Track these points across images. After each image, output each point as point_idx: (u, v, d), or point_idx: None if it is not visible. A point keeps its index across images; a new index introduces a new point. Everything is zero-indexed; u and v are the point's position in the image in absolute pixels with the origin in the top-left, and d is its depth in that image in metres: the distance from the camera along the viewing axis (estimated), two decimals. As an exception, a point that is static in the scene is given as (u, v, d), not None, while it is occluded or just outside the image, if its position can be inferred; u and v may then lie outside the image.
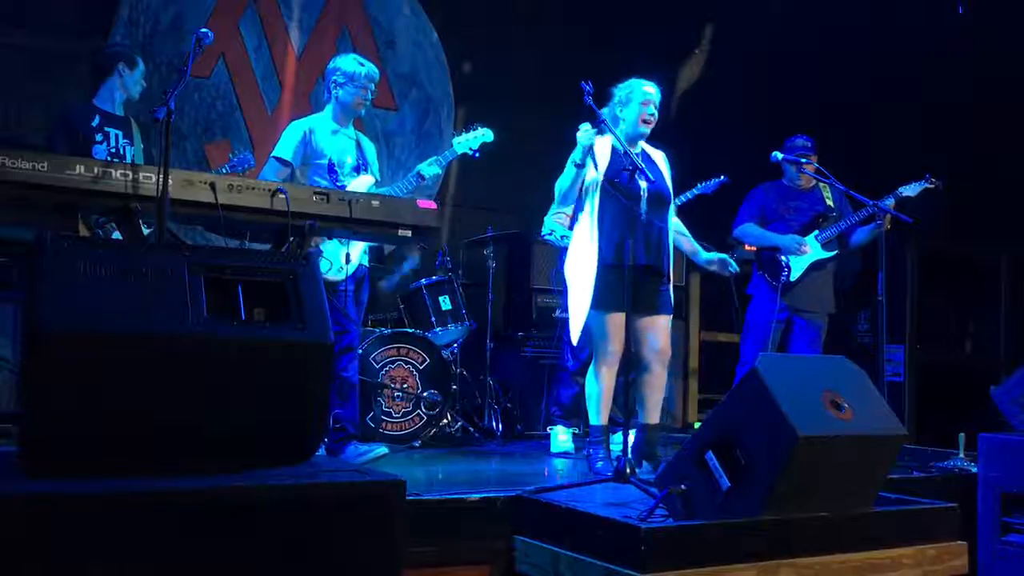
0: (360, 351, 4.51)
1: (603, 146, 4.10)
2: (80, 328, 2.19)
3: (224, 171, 4.62)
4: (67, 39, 5.55)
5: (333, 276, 4.08)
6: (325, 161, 4.21)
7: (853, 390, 3.01)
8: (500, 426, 5.51)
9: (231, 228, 3.32)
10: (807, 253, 5.12)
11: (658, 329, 4.11)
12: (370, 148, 4.46)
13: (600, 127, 4.05)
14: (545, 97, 6.17)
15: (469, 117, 6.32)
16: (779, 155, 5.07)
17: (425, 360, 5.06)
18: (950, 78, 6.13)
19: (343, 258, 4.03)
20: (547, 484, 3.59)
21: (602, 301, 3.99)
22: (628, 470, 3.30)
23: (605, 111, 4.09)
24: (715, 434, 2.90)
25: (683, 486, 2.90)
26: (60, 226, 3.06)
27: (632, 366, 4.22)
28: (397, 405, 4.94)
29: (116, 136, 4.46)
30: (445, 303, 5.44)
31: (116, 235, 3.27)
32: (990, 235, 6.65)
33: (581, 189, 4.11)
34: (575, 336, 4.16)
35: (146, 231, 3.22)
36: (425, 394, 5.01)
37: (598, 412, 4.07)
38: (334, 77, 4.29)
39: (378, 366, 4.92)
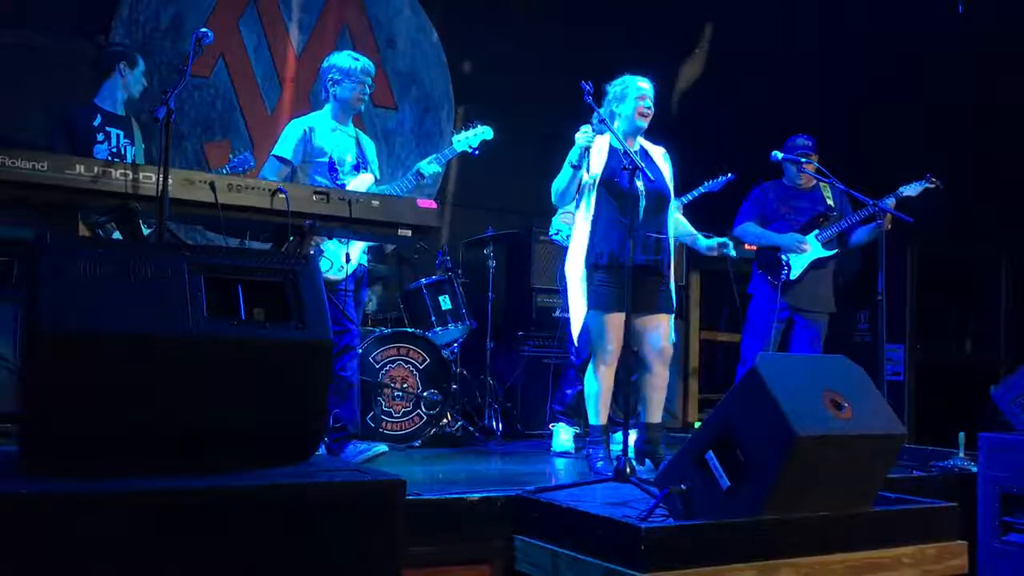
0: (360, 351, 4.51)
1: (601, 145, 4.10)
2: (80, 328, 2.19)
3: (224, 172, 4.61)
4: (67, 39, 5.55)
5: (334, 275, 4.08)
6: (326, 159, 4.21)
7: (853, 389, 3.01)
8: (500, 426, 5.51)
9: (231, 228, 3.33)
10: (807, 252, 5.12)
11: (658, 328, 4.11)
12: (369, 146, 4.46)
13: (600, 127, 4.06)
14: (545, 97, 6.18)
15: (469, 117, 6.32)
16: (779, 154, 5.07)
17: (425, 360, 5.06)
18: (950, 78, 6.13)
19: (343, 258, 4.03)
20: (547, 484, 3.59)
21: (600, 301, 3.99)
22: (628, 470, 3.30)
23: (600, 109, 4.09)
24: (715, 434, 2.90)
25: (683, 486, 2.90)
26: (60, 226, 3.07)
27: (634, 366, 4.23)
28: (397, 405, 4.94)
29: (117, 136, 4.46)
30: (445, 303, 5.44)
31: (116, 235, 3.27)
32: (990, 235, 6.64)
33: (579, 189, 4.11)
34: (575, 336, 4.17)
35: (146, 231, 3.22)
36: (425, 394, 5.01)
37: (597, 412, 4.08)
38: (330, 75, 4.28)
39: (378, 366, 4.92)
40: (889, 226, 4.85)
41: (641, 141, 4.24)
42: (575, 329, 4.11)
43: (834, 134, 5.50)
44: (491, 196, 6.62)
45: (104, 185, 2.99)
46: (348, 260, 4.02)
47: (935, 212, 5.31)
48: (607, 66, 4.22)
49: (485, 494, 3.19)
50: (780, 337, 5.16)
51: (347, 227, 3.44)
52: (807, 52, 6.68)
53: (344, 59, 4.28)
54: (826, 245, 5.13)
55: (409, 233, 3.50)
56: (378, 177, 4.41)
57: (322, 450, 3.94)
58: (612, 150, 4.09)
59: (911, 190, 4.99)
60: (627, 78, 4.16)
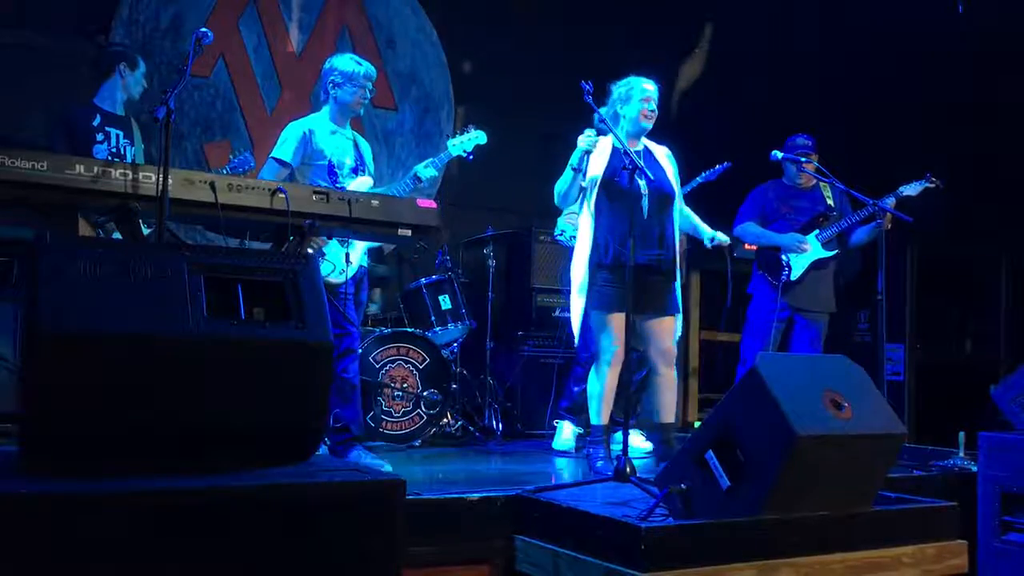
0: (360, 351, 4.51)
1: (603, 146, 4.11)
2: (80, 328, 2.19)
3: (224, 172, 4.61)
4: (67, 38, 5.55)
5: (335, 279, 4.06)
6: (325, 162, 4.19)
7: (853, 389, 3.01)
8: (500, 425, 5.52)
9: (231, 228, 3.32)
10: (808, 252, 5.12)
11: (662, 330, 4.12)
12: (367, 148, 4.45)
13: (601, 127, 4.06)
14: (545, 97, 6.17)
15: (469, 117, 6.33)
16: (779, 154, 5.07)
17: (425, 359, 5.06)
18: (950, 78, 6.13)
19: (344, 260, 4.02)
20: (547, 483, 3.59)
21: (604, 301, 4.00)
22: (628, 469, 3.30)
23: (604, 110, 4.10)
24: (715, 433, 2.90)
25: (683, 486, 2.90)
26: (60, 226, 3.06)
27: (635, 365, 4.24)
28: (397, 405, 4.95)
29: (117, 136, 4.46)
30: (445, 302, 5.44)
31: (116, 235, 3.27)
32: (990, 235, 6.64)
33: (581, 190, 4.12)
34: (577, 336, 4.18)
35: (146, 231, 3.22)
36: (425, 393, 5.01)
37: (599, 412, 4.08)
38: (331, 77, 4.25)
39: (378, 366, 4.92)
40: (889, 226, 4.85)
41: (644, 141, 4.24)
42: (576, 328, 4.12)
43: (834, 134, 5.50)
44: (491, 196, 6.61)
45: (104, 185, 2.99)
46: (349, 262, 4.01)
47: (935, 212, 5.31)
48: (607, 66, 4.23)
49: (485, 494, 3.19)
50: (780, 337, 5.16)
51: (347, 227, 3.44)
52: (807, 52, 6.68)
53: (347, 62, 4.25)
54: (826, 245, 5.13)
55: (409, 233, 3.50)
56: (375, 179, 4.40)
57: (324, 450, 3.93)
58: (614, 150, 4.09)
59: (911, 190, 4.98)
60: (632, 79, 4.17)
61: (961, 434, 4.49)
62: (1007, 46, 5.94)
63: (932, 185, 5.00)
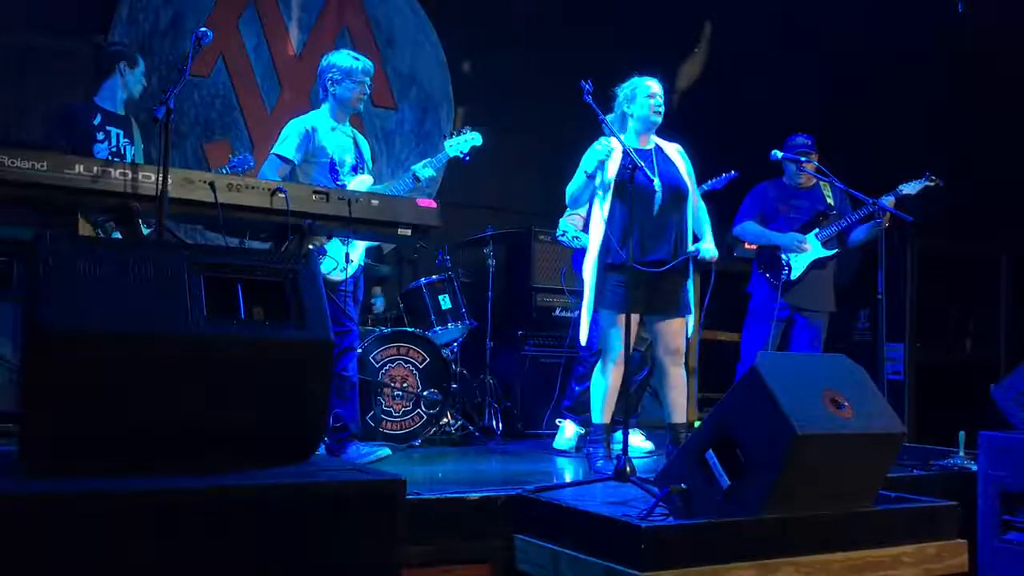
0: (359, 350, 4.51)
1: (618, 149, 4.11)
2: (80, 328, 2.19)
3: (224, 172, 4.61)
4: (67, 38, 5.55)
5: (336, 276, 4.07)
6: (327, 160, 4.20)
7: (853, 388, 3.01)
8: (500, 425, 5.51)
9: (231, 227, 3.32)
10: (807, 251, 5.12)
11: (672, 331, 4.12)
12: (365, 146, 4.45)
13: (602, 127, 4.06)
14: (545, 97, 6.18)
15: (469, 117, 6.33)
16: (779, 153, 5.07)
17: (425, 359, 5.06)
18: (950, 78, 6.13)
19: (344, 258, 4.02)
20: (547, 483, 3.59)
21: (614, 301, 3.99)
22: (628, 469, 3.30)
23: (611, 116, 4.11)
24: (715, 433, 2.90)
25: (683, 485, 2.90)
26: (60, 226, 3.06)
27: (636, 365, 4.23)
28: (397, 404, 4.94)
29: (117, 135, 4.46)
30: (445, 302, 5.43)
31: (116, 235, 3.27)
32: (990, 234, 6.64)
33: (593, 193, 4.13)
34: (584, 336, 4.17)
35: (146, 230, 3.22)
36: (425, 393, 5.01)
37: (601, 411, 4.08)
38: (330, 74, 4.25)
39: (378, 365, 4.92)
40: (888, 224, 4.85)
41: (655, 139, 4.24)
42: (585, 328, 4.12)
43: (834, 134, 5.50)
44: (491, 196, 6.62)
45: (104, 185, 2.99)
46: (349, 261, 4.01)
47: (935, 211, 5.31)
48: (607, 66, 4.22)
49: (485, 494, 3.19)
50: (780, 336, 5.16)
51: (347, 226, 3.44)
52: (807, 52, 6.67)
53: (344, 58, 4.25)
54: (826, 244, 5.13)
55: (409, 232, 3.50)
56: (374, 177, 4.40)
57: (323, 450, 3.93)
58: (624, 152, 4.09)
59: (911, 188, 4.99)
60: (635, 79, 4.18)
61: (961, 433, 4.49)
62: (1007, 46, 5.94)
63: (932, 183, 5.00)
